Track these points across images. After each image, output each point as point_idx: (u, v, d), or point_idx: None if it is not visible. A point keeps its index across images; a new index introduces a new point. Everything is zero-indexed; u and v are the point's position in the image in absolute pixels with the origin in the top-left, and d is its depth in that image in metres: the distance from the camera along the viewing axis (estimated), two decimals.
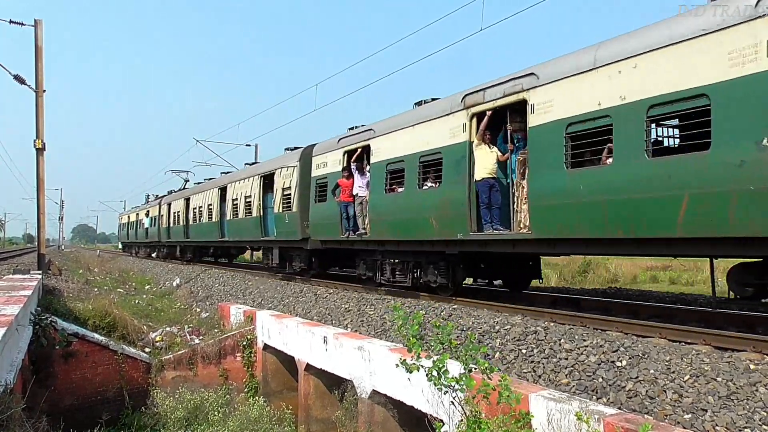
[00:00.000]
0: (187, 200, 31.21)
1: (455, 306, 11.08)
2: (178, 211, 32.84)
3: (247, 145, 37.49)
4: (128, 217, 53.70)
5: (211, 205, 26.47)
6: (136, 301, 20.59)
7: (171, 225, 34.61)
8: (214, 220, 25.81)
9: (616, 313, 9.92)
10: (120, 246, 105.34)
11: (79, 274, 29.14)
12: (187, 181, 39.64)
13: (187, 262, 33.23)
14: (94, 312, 15.32)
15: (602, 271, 23.86)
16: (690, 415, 5.67)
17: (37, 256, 23.26)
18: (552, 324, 8.96)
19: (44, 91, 21.24)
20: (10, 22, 21.19)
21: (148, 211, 42.39)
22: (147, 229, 42.36)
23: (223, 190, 25.09)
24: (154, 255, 43.70)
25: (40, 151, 21.22)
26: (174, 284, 25.91)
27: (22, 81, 21.17)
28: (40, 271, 20.82)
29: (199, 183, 32.58)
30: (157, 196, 44.07)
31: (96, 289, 21.94)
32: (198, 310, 19.29)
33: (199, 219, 28.51)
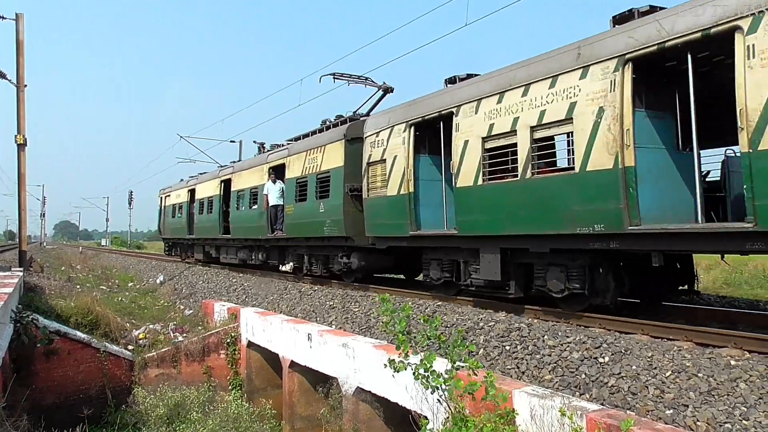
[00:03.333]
0: None
1: (439, 303, 11.10)
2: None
3: (231, 141, 37.14)
4: (189, 193, 28.04)
5: None
6: (119, 299, 20.39)
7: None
8: None
9: (598, 310, 9.97)
10: (113, 243, 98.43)
11: (62, 272, 28.88)
12: (389, 90, 15.96)
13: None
14: (77, 309, 15.15)
15: None
16: (671, 411, 5.73)
17: (19, 253, 23.00)
18: (535, 321, 9.02)
19: (26, 85, 20.98)
20: None
21: (279, 168, 18.10)
22: (276, 209, 17.95)
23: None
24: (286, 268, 18.01)
25: (21, 146, 20.97)
26: (158, 281, 25.71)
27: (2, 75, 20.89)
28: (21, 269, 20.59)
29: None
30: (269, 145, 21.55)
31: (78, 287, 21.71)
32: (182, 307, 19.15)
33: None
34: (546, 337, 7.97)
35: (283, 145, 18.96)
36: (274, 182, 18.06)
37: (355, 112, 15.58)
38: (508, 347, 8.16)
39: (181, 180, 31.41)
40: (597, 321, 8.73)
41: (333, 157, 14.75)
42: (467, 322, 9.30)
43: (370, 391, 9.26)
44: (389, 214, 12.57)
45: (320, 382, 11.31)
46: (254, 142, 22.59)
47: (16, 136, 20.89)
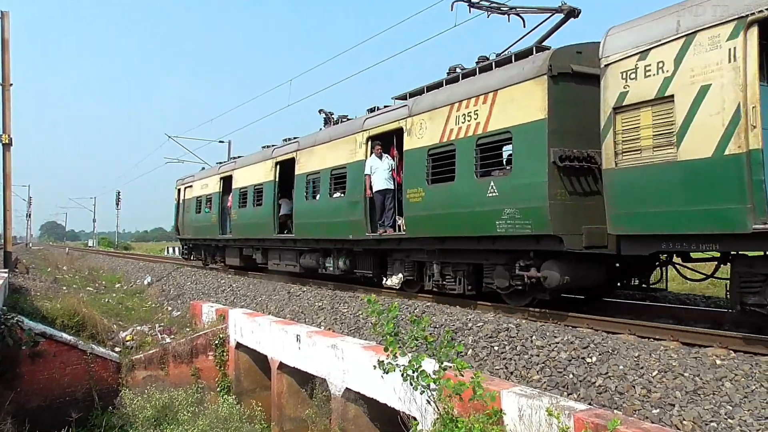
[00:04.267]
0: None
1: (428, 303, 11.10)
2: None
3: (220, 142, 37.04)
4: (221, 182, 22.17)
5: None
6: (106, 300, 20.28)
7: None
8: None
9: (586, 310, 10.02)
10: (101, 244, 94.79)
11: (48, 273, 28.62)
12: (575, 13, 9.92)
13: None
14: (63, 311, 15.05)
15: None
16: (658, 410, 5.75)
17: (3, 254, 22.80)
18: (524, 321, 9.04)
19: (11, 84, 20.82)
20: None
21: (385, 137, 12.82)
22: (383, 196, 12.66)
23: None
24: (391, 281, 12.81)
25: (6, 146, 20.81)
26: (145, 282, 25.55)
27: None
28: (6, 270, 20.42)
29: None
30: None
31: (65, 288, 21.54)
32: (169, 308, 19.05)
33: None
34: (534, 337, 7.98)
35: (382, 108, 13.45)
36: (380, 157, 12.64)
37: (498, 55, 10.69)
38: (496, 347, 8.17)
39: (202, 169, 26.24)
40: (584, 321, 8.77)
41: (518, 108, 9.29)
42: (456, 323, 9.30)
43: (358, 392, 9.25)
44: (683, 193, 7.06)
45: (309, 383, 11.29)
46: (320, 111, 16.62)
47: (1, 135, 20.73)
